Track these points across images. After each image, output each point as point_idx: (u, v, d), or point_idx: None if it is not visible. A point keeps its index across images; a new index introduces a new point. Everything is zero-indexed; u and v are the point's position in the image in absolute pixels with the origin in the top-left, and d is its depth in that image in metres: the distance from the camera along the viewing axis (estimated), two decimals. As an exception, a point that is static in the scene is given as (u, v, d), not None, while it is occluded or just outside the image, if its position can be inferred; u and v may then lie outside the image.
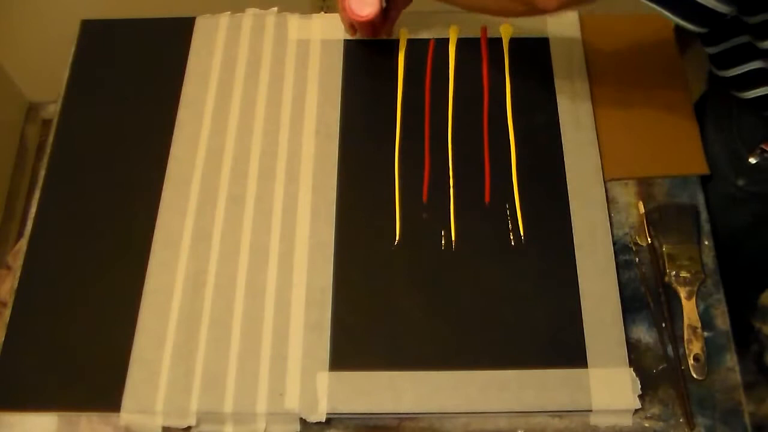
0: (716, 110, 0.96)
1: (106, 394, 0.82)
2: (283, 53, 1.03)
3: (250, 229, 0.91)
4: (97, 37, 1.07)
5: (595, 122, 0.96)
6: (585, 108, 0.97)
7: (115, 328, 0.85)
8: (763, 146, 0.88)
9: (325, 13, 1.06)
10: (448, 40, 1.03)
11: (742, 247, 0.99)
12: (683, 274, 0.87)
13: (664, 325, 0.85)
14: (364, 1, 0.86)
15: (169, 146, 0.96)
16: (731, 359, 0.83)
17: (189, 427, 0.81)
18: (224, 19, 1.06)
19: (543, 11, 0.76)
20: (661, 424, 0.80)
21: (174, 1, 1.16)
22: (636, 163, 0.94)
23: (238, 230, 0.90)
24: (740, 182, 0.91)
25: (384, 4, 0.88)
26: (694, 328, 0.84)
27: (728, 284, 0.87)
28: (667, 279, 0.87)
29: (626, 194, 0.93)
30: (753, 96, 0.84)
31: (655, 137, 0.96)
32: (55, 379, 0.83)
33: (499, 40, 1.03)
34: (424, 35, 1.04)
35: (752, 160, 0.89)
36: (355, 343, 0.84)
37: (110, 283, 0.88)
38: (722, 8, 0.70)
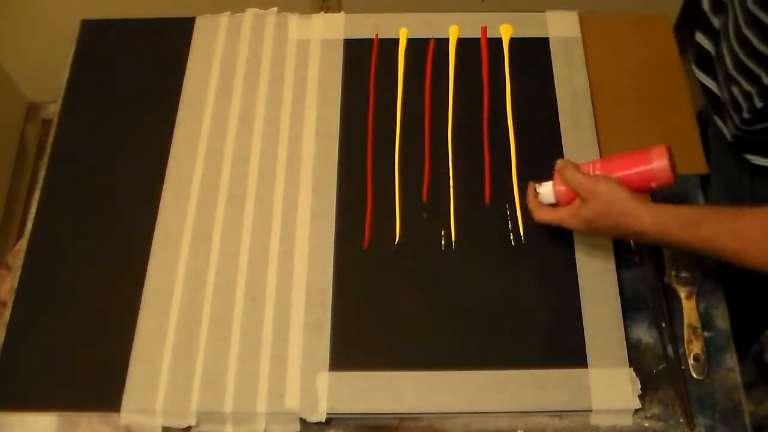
0: (725, 175, 0.93)
1: (106, 394, 0.82)
2: (283, 53, 1.03)
3: (250, 229, 0.90)
4: (97, 37, 1.07)
5: (595, 122, 0.96)
6: (585, 108, 0.97)
7: (115, 328, 0.85)
8: None
9: (325, 13, 1.06)
10: (448, 40, 1.03)
11: (752, 289, 0.95)
12: (683, 274, 0.87)
13: (664, 325, 0.85)
14: None
15: (169, 146, 0.96)
16: (731, 359, 0.83)
17: (189, 427, 0.81)
18: (224, 19, 1.06)
19: None
20: (661, 424, 0.80)
21: (174, 1, 1.16)
22: (636, 163, 0.94)
23: (238, 230, 0.90)
24: None
25: None
26: (694, 328, 0.84)
27: (736, 323, 0.85)
28: (667, 279, 0.87)
29: (626, 194, 0.93)
30: None
31: (655, 137, 0.95)
32: (55, 379, 0.83)
33: (499, 40, 1.03)
34: (424, 35, 1.04)
35: None
36: (355, 343, 0.84)
37: (110, 282, 0.88)
38: None
